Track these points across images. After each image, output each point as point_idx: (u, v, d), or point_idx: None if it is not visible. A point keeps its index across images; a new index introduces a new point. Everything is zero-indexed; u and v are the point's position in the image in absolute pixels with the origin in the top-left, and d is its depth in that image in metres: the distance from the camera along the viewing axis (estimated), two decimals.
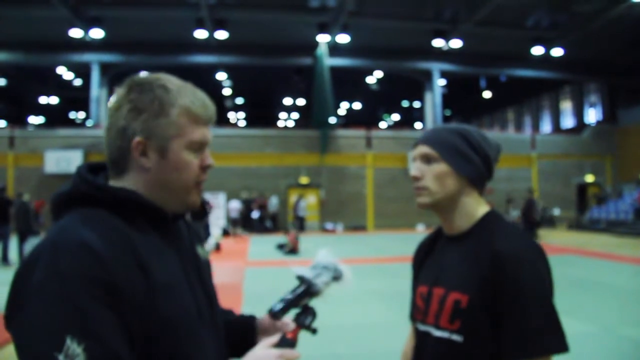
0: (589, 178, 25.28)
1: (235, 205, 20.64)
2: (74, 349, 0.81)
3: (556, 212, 23.16)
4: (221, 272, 8.94)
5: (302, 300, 1.16)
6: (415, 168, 1.34)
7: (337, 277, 1.19)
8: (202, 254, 1.19)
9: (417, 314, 1.38)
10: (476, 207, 1.33)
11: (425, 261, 1.45)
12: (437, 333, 1.27)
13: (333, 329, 5.69)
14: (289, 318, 1.20)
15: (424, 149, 1.33)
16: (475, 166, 1.31)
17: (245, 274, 10.11)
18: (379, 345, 5.35)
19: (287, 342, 1.09)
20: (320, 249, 1.25)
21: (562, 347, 1.14)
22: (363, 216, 23.08)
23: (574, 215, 23.88)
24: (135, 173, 1.04)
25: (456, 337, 1.22)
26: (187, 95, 1.05)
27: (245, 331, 1.28)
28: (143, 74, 1.08)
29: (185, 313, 1.01)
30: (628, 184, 23.84)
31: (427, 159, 1.32)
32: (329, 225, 22.30)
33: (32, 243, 10.76)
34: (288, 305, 1.15)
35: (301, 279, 1.18)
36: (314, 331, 1.16)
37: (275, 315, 1.15)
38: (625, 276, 9.88)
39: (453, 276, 1.27)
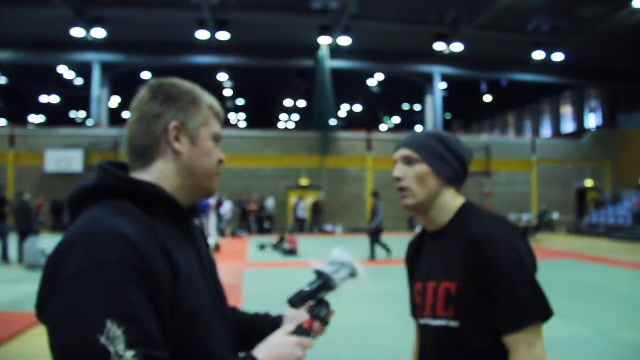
0: (589, 183, 25.30)
1: (229, 206, 20.64)
2: (115, 332, 0.85)
3: (555, 216, 23.20)
4: (221, 273, 8.89)
5: (319, 293, 1.24)
6: (397, 169, 1.42)
7: (353, 274, 1.28)
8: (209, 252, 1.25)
9: (417, 310, 1.46)
10: (454, 202, 1.42)
11: (417, 260, 1.54)
12: (436, 322, 1.34)
13: (332, 331, 5.69)
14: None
15: (405, 152, 1.42)
16: (452, 167, 1.41)
17: (245, 275, 10.12)
18: (379, 347, 5.36)
19: (303, 331, 1.16)
20: (334, 248, 1.32)
21: (549, 312, 1.24)
22: (363, 218, 23.08)
23: (573, 219, 23.91)
24: (164, 160, 1.10)
25: (453, 324, 1.30)
26: (208, 96, 1.18)
27: (273, 325, 1.33)
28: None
29: (204, 304, 1.06)
30: (627, 189, 23.89)
31: (408, 161, 1.41)
32: (328, 227, 22.31)
33: (32, 242, 10.76)
34: (306, 297, 1.23)
35: (319, 274, 1.25)
36: (326, 323, 1.24)
37: (294, 304, 1.22)
38: (623, 281, 9.91)
39: (441, 267, 1.36)
